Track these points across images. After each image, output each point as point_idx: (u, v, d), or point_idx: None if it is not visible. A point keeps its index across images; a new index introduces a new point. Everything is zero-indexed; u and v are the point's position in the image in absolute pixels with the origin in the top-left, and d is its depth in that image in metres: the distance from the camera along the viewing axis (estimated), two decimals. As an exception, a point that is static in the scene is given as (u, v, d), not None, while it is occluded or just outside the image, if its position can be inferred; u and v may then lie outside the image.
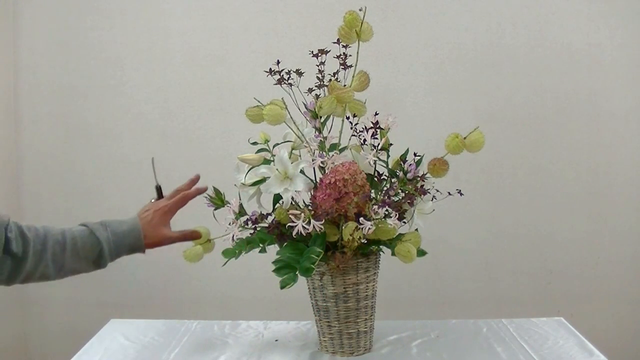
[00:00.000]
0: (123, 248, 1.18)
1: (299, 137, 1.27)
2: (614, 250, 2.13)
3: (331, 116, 1.27)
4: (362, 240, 1.17)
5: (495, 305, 2.14)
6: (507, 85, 2.09)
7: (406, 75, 2.10)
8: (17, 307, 2.23)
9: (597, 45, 2.07)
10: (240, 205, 1.28)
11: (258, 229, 1.27)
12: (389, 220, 1.17)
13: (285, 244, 1.23)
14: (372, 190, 1.24)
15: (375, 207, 1.17)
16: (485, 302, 2.14)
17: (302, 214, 1.18)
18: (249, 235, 1.27)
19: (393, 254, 1.22)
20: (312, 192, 1.25)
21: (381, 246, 1.27)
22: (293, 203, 1.22)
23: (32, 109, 2.18)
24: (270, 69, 1.24)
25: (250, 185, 1.28)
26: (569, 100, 2.09)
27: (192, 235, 1.27)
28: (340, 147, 1.29)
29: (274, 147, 1.27)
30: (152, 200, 1.28)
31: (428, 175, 1.25)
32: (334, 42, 1.26)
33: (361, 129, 1.27)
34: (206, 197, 1.31)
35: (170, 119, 2.14)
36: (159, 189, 1.31)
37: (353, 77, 1.27)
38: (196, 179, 1.31)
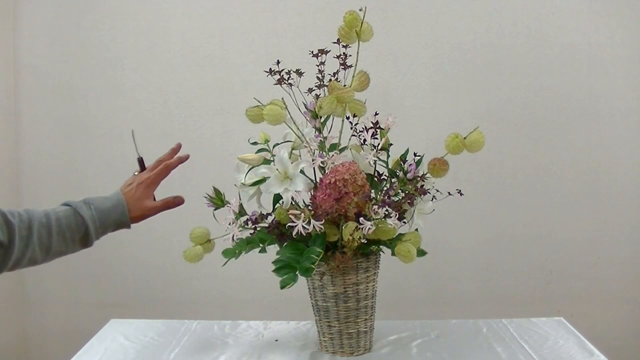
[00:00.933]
0: (108, 225, 1.17)
1: (299, 137, 1.27)
2: (614, 250, 2.13)
3: (331, 116, 1.27)
4: (362, 240, 1.17)
5: (495, 305, 2.14)
6: (507, 85, 2.09)
7: (406, 75, 2.10)
8: (17, 307, 2.23)
9: (597, 45, 2.07)
10: (240, 205, 1.28)
11: (258, 229, 1.26)
12: (389, 220, 1.17)
13: (285, 244, 1.23)
14: (372, 190, 1.24)
15: (375, 207, 1.17)
16: (485, 302, 2.14)
17: (302, 214, 1.18)
18: (249, 235, 1.27)
19: (393, 254, 1.22)
20: (312, 192, 1.25)
21: (381, 246, 1.27)
22: (293, 203, 1.22)
23: (32, 109, 2.18)
24: (270, 69, 1.24)
25: (250, 185, 1.28)
26: (569, 100, 2.09)
27: (174, 202, 1.25)
28: (340, 147, 1.29)
29: (274, 147, 1.27)
30: (135, 173, 1.27)
31: (428, 175, 1.25)
32: (334, 42, 1.26)
33: (361, 129, 1.27)
34: (206, 197, 1.31)
35: (170, 119, 2.15)
36: (140, 161, 1.29)
37: (353, 77, 1.26)
38: (177, 148, 1.29)
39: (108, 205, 1.17)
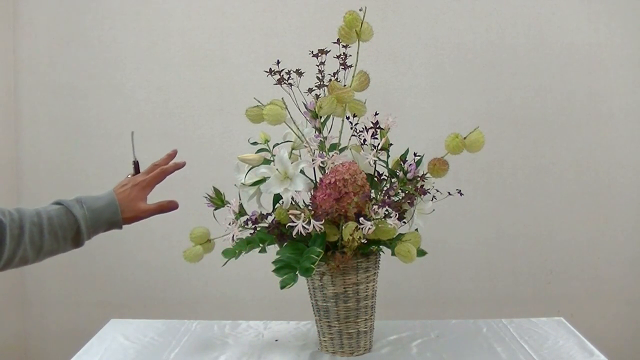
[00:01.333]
0: (100, 224, 1.16)
1: (299, 137, 1.27)
2: (614, 250, 2.13)
3: (331, 116, 1.27)
4: (362, 240, 1.17)
5: (495, 305, 2.14)
6: (507, 85, 2.09)
7: (406, 75, 2.10)
8: (17, 307, 2.23)
9: (597, 45, 2.07)
10: (240, 205, 1.28)
11: (258, 229, 1.26)
12: (389, 220, 1.17)
13: (285, 244, 1.23)
14: (372, 190, 1.24)
15: (375, 207, 1.17)
16: (485, 302, 2.14)
17: (302, 214, 1.18)
18: (249, 235, 1.27)
19: (393, 254, 1.22)
20: (312, 192, 1.25)
21: (381, 246, 1.27)
22: (293, 203, 1.22)
23: (32, 109, 2.18)
24: (270, 69, 1.24)
25: (250, 185, 1.28)
26: (569, 100, 2.09)
27: (168, 206, 1.24)
28: (340, 147, 1.29)
29: (274, 147, 1.27)
30: (129, 176, 1.26)
31: (428, 175, 1.25)
32: (334, 42, 1.26)
33: (361, 129, 1.27)
34: (206, 197, 1.31)
35: (170, 119, 2.15)
36: (136, 164, 1.29)
37: (353, 77, 1.26)
38: (173, 154, 1.29)
39: (100, 204, 1.16)
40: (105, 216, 1.16)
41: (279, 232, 1.22)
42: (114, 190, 1.20)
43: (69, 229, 1.12)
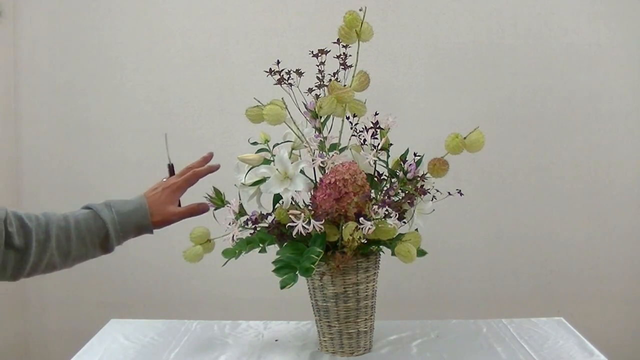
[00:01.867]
0: (129, 228, 1.14)
1: (299, 137, 1.27)
2: (614, 250, 2.13)
3: (331, 116, 1.27)
4: (362, 240, 1.17)
5: (495, 305, 2.14)
6: (507, 85, 2.09)
7: (406, 75, 2.10)
8: (17, 307, 2.23)
9: (597, 45, 2.07)
10: (240, 205, 1.28)
11: (258, 229, 1.26)
12: (389, 220, 1.17)
13: (285, 244, 1.23)
14: (372, 190, 1.24)
15: (375, 207, 1.17)
16: (485, 302, 2.14)
17: (302, 214, 1.18)
18: (249, 235, 1.27)
19: (393, 254, 1.22)
20: (312, 192, 1.25)
21: (381, 246, 1.27)
22: (293, 203, 1.22)
23: (32, 108, 2.18)
24: (270, 69, 1.24)
25: (250, 185, 1.28)
26: (569, 100, 2.09)
27: (199, 209, 1.23)
28: (340, 147, 1.29)
29: (274, 147, 1.27)
30: (164, 179, 1.25)
31: (428, 175, 1.25)
32: (334, 42, 1.26)
33: (361, 129, 1.27)
34: (206, 197, 1.31)
35: (170, 119, 2.15)
36: (171, 167, 1.29)
37: (353, 77, 1.26)
38: (209, 157, 1.28)
39: (129, 208, 1.14)
40: (135, 220, 1.14)
41: (279, 232, 1.22)
42: (145, 194, 1.19)
43: (97, 234, 1.10)
